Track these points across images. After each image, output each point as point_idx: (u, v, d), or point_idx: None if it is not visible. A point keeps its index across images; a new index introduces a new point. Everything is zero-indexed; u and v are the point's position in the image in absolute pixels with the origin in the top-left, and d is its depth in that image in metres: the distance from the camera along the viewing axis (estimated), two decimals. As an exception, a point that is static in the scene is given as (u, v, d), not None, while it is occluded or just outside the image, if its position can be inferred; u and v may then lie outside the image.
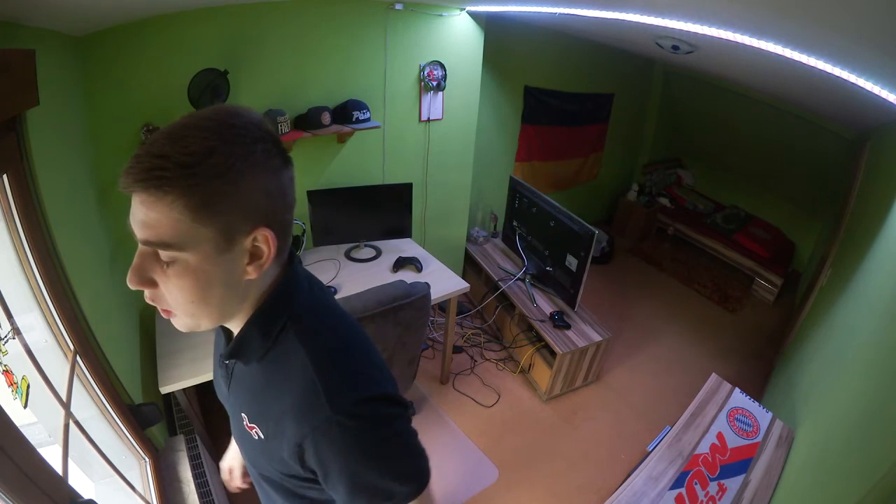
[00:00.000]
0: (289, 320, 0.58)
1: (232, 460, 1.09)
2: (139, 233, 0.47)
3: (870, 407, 1.19)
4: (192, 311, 0.53)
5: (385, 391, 0.59)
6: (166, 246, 0.47)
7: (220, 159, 0.46)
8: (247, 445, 0.67)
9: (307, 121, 2.13)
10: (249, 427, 0.63)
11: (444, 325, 2.54)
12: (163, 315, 0.54)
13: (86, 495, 1.01)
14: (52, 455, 0.98)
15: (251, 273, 0.53)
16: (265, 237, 0.52)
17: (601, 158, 4.24)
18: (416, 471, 0.60)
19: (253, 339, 0.58)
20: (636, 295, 3.67)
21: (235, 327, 0.60)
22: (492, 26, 2.61)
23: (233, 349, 0.59)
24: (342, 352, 0.59)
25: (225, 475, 1.10)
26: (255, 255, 0.53)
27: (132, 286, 0.50)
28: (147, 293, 0.51)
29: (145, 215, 0.46)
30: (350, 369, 0.58)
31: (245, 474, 1.09)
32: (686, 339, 3.21)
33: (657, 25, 1.60)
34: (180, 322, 0.54)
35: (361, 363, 0.60)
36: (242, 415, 0.64)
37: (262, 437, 0.61)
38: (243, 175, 0.48)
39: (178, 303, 0.52)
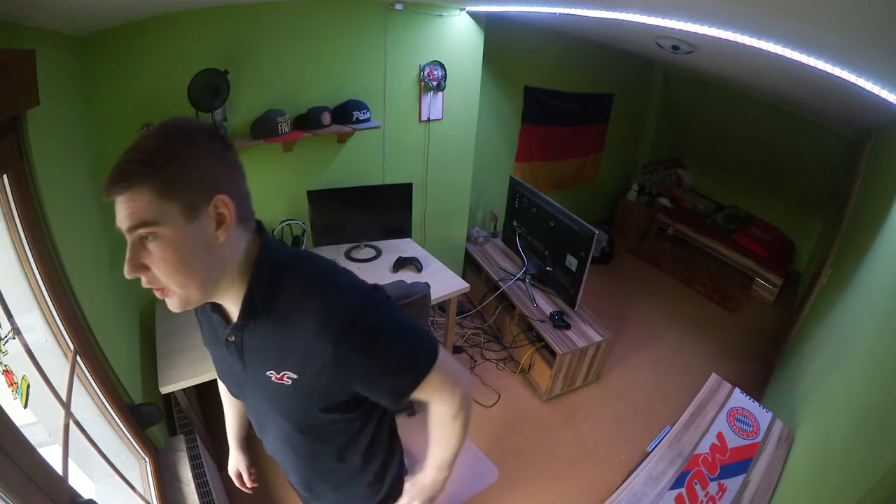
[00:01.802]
0: (281, 267, 0.68)
1: (238, 464, 1.17)
2: (124, 224, 0.57)
3: (870, 407, 1.19)
4: (181, 282, 0.61)
5: (376, 285, 0.73)
6: (145, 224, 0.57)
7: (169, 149, 0.57)
8: (279, 401, 0.74)
9: (307, 121, 2.13)
10: (279, 378, 0.71)
11: (444, 325, 2.54)
12: (158, 296, 0.63)
13: (86, 495, 1.01)
14: (52, 455, 0.98)
15: (221, 237, 0.62)
16: (223, 202, 0.61)
17: (601, 158, 4.24)
18: (427, 339, 0.75)
19: (258, 294, 0.67)
20: (636, 295, 3.67)
21: (228, 302, 0.70)
22: (492, 26, 2.61)
23: (245, 310, 0.67)
24: (332, 273, 0.72)
25: (236, 480, 1.17)
26: (219, 221, 0.62)
27: (129, 275, 0.59)
28: (143, 279, 0.61)
29: (126, 208, 0.57)
30: (344, 281, 0.71)
31: (252, 475, 1.14)
32: (686, 339, 3.21)
33: (657, 25, 1.60)
34: (174, 299, 0.63)
35: (349, 276, 0.73)
36: (268, 373, 0.71)
37: (295, 376, 0.70)
38: (190, 157, 0.59)
39: (168, 275, 0.60)
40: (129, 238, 0.58)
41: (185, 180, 0.58)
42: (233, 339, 0.72)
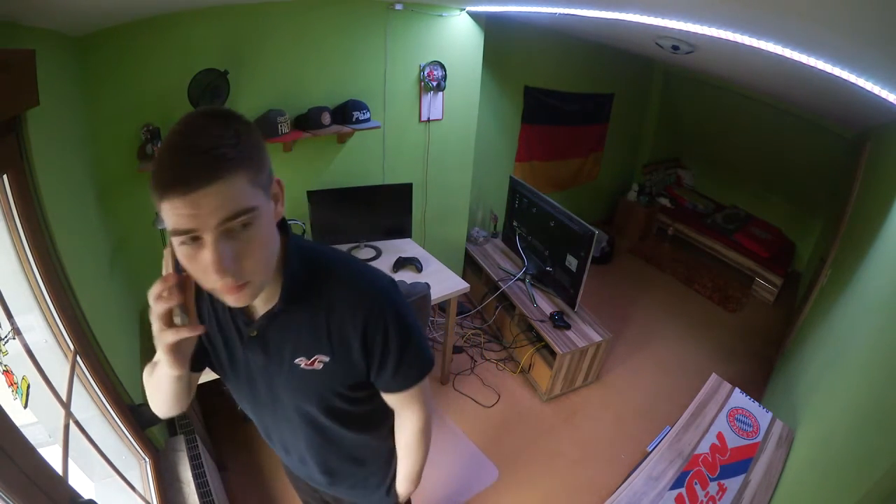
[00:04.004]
0: (310, 254, 0.72)
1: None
2: (216, 217, 0.53)
3: (870, 407, 1.19)
4: (264, 267, 0.62)
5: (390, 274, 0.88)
6: (245, 211, 0.55)
7: (246, 133, 0.57)
8: (306, 387, 0.77)
9: (307, 121, 2.12)
10: (310, 364, 0.74)
11: (444, 325, 2.54)
12: (232, 294, 0.60)
13: (86, 495, 1.01)
14: (52, 455, 0.98)
15: (280, 212, 0.65)
16: (278, 181, 0.65)
17: (601, 158, 4.24)
18: (429, 347, 0.83)
19: (297, 278, 0.70)
20: (636, 295, 3.67)
21: (261, 298, 0.70)
22: (492, 26, 2.61)
23: (286, 295, 0.70)
24: (352, 259, 0.78)
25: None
26: (277, 199, 0.64)
27: (222, 275, 0.56)
28: (230, 278, 0.57)
29: (218, 199, 0.53)
30: (366, 266, 0.77)
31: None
32: (686, 339, 3.21)
33: (657, 25, 1.60)
34: (249, 290, 0.61)
35: (364, 262, 0.79)
36: (297, 361, 0.74)
37: (328, 359, 0.74)
38: (260, 139, 0.60)
39: (260, 262, 0.60)
40: (213, 233, 0.54)
41: (266, 161, 0.60)
42: (254, 334, 0.73)
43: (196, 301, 0.62)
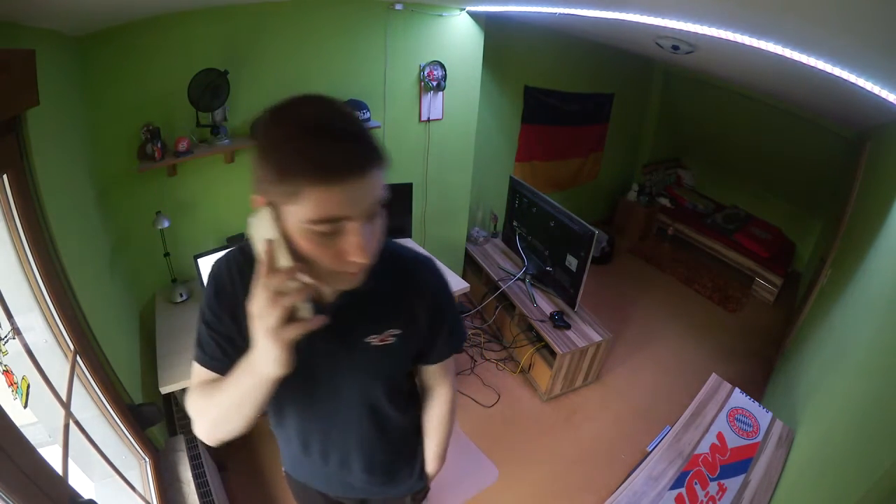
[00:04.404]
0: None
1: None
2: (365, 203, 0.55)
3: (870, 407, 1.19)
4: (379, 246, 0.64)
5: None
6: (383, 199, 0.58)
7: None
8: (376, 364, 0.80)
9: (307, 121, 2.12)
10: (382, 339, 0.77)
11: (444, 325, 2.53)
12: (357, 276, 0.62)
13: (86, 495, 1.01)
14: (52, 455, 0.98)
15: None
16: None
17: (601, 158, 4.24)
18: None
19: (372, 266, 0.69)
20: (636, 295, 3.67)
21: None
22: (492, 26, 2.61)
23: (369, 278, 0.67)
24: (397, 241, 0.82)
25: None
26: None
27: (366, 259, 0.58)
28: (366, 260, 0.58)
29: (372, 187, 0.55)
30: (413, 247, 0.85)
31: None
32: (686, 339, 3.21)
33: (657, 25, 1.60)
34: (365, 271, 0.62)
35: None
36: (368, 339, 0.77)
37: (399, 331, 0.78)
38: None
39: (379, 243, 0.63)
40: (362, 218, 0.56)
41: None
42: (328, 318, 0.72)
43: (240, 301, 0.63)
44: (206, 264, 1.98)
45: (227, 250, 0.77)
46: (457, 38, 2.52)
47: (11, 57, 0.98)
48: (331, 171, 0.51)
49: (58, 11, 1.23)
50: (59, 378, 1.13)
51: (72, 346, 1.19)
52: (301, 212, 0.53)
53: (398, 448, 0.98)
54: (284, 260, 0.55)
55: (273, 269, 0.54)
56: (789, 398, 2.00)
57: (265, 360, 0.57)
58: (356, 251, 0.56)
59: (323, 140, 0.52)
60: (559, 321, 2.52)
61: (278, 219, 0.56)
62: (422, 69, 2.47)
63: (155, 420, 1.49)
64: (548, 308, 2.66)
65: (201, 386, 0.72)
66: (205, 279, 2.02)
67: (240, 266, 0.72)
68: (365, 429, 0.89)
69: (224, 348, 0.72)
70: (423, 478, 1.05)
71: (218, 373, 0.72)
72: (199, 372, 0.74)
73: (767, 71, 2.02)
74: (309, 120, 0.52)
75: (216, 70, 1.81)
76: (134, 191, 1.87)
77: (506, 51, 2.98)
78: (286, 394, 0.78)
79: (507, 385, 2.69)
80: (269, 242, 0.55)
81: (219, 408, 0.68)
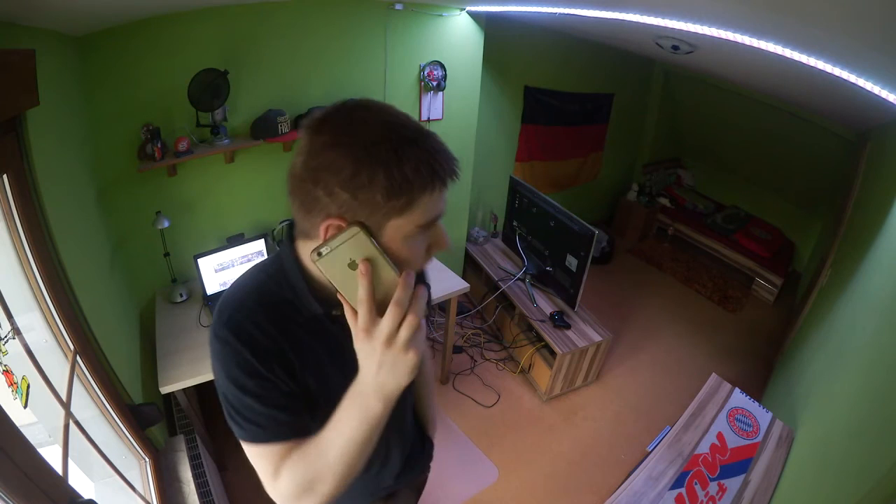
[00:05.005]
0: None
1: None
2: (442, 208, 0.58)
3: (870, 407, 1.19)
4: None
5: None
6: None
7: None
8: None
9: (307, 121, 2.12)
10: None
11: (444, 325, 2.54)
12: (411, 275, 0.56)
13: (86, 495, 1.01)
14: (52, 455, 0.98)
15: None
16: None
17: (601, 158, 4.24)
18: None
19: None
20: (636, 295, 3.67)
21: None
22: (492, 26, 2.61)
23: None
24: None
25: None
26: None
27: (448, 248, 0.63)
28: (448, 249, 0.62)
29: (446, 194, 0.58)
30: None
31: None
32: (686, 339, 3.21)
33: (657, 25, 1.60)
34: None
35: None
36: None
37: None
38: None
39: None
40: (435, 223, 0.59)
41: None
42: None
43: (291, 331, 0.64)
44: (205, 264, 1.98)
45: (229, 308, 0.63)
46: (457, 38, 2.52)
47: (11, 57, 0.98)
48: (444, 176, 0.54)
49: (58, 11, 1.23)
50: (59, 378, 1.13)
51: (72, 346, 1.19)
52: (413, 219, 0.55)
53: (417, 426, 1.01)
54: (393, 272, 0.53)
55: (376, 286, 0.53)
56: (789, 398, 2.00)
57: (397, 374, 0.54)
58: (444, 241, 0.61)
59: (427, 148, 0.53)
60: (559, 321, 2.52)
61: (373, 235, 0.53)
62: (422, 69, 2.47)
63: (155, 420, 1.49)
64: (548, 308, 2.66)
65: (286, 462, 0.61)
66: (205, 280, 2.03)
67: (269, 316, 0.63)
68: (404, 416, 0.91)
69: (292, 408, 0.63)
70: (431, 445, 1.08)
71: (300, 436, 0.61)
72: (273, 452, 0.61)
73: (767, 71, 2.02)
74: (403, 130, 0.53)
75: (216, 70, 1.81)
76: (134, 191, 1.87)
77: (506, 51, 2.98)
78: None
79: (507, 385, 2.69)
80: (367, 262, 0.52)
81: (342, 464, 0.58)
